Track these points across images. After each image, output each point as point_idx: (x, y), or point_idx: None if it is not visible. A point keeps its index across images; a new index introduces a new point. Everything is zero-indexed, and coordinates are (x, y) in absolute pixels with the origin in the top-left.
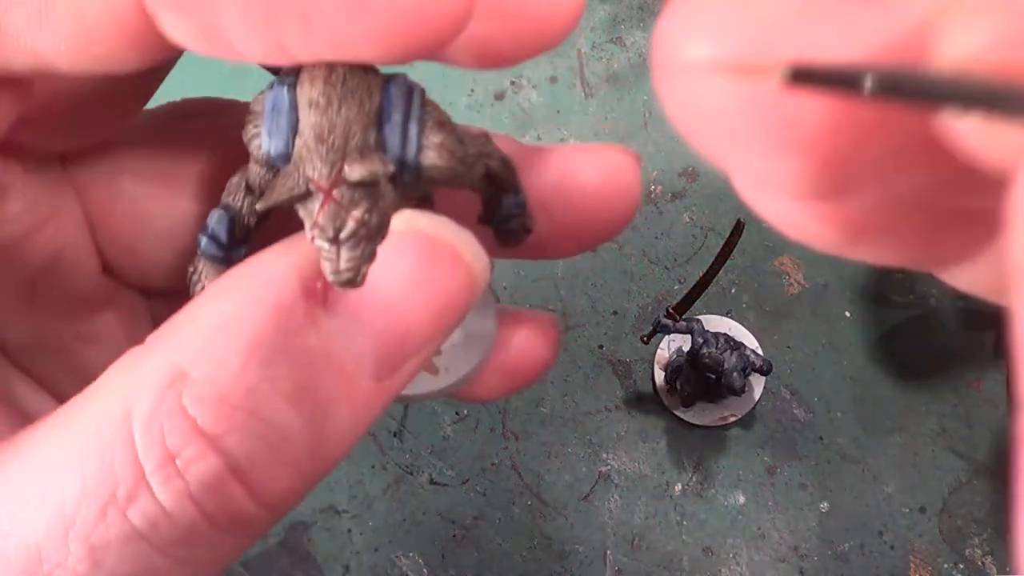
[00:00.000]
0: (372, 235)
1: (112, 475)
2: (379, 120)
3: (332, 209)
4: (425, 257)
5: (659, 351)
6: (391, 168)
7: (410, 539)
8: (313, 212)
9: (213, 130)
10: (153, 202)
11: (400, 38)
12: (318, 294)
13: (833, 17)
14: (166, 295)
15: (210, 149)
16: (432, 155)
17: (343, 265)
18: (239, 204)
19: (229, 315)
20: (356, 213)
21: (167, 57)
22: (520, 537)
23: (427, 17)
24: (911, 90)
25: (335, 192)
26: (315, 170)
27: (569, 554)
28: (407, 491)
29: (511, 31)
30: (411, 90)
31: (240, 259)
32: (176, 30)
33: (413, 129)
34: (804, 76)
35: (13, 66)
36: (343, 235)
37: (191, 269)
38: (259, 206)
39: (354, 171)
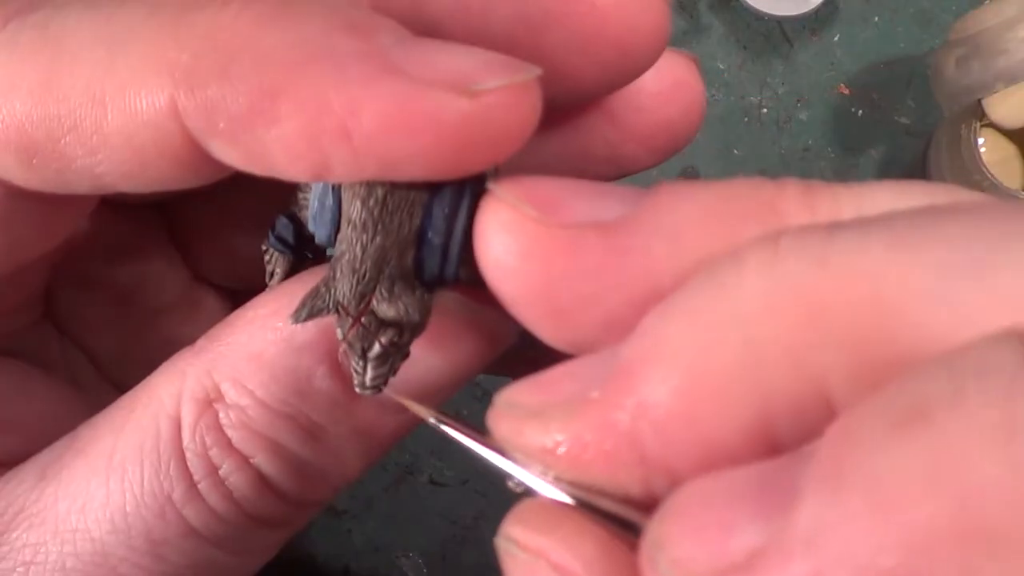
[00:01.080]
0: (402, 348)
1: (168, 479)
2: (419, 240)
3: (361, 332)
4: (445, 330)
5: None
6: (416, 318)
7: (410, 539)
8: (344, 328)
9: None
10: (237, 211)
11: (450, 156)
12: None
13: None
14: (254, 291)
15: None
16: (471, 271)
17: (369, 382)
18: (300, 214)
19: (262, 351)
20: (383, 339)
21: (223, 174)
22: None
23: (480, 134)
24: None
25: (364, 319)
26: (345, 297)
27: None
28: (407, 491)
29: (592, 57)
30: (459, 200)
31: (308, 257)
32: (224, 155)
33: (454, 249)
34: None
35: (75, 188)
36: (371, 355)
37: (266, 259)
38: (291, 321)
39: (380, 309)
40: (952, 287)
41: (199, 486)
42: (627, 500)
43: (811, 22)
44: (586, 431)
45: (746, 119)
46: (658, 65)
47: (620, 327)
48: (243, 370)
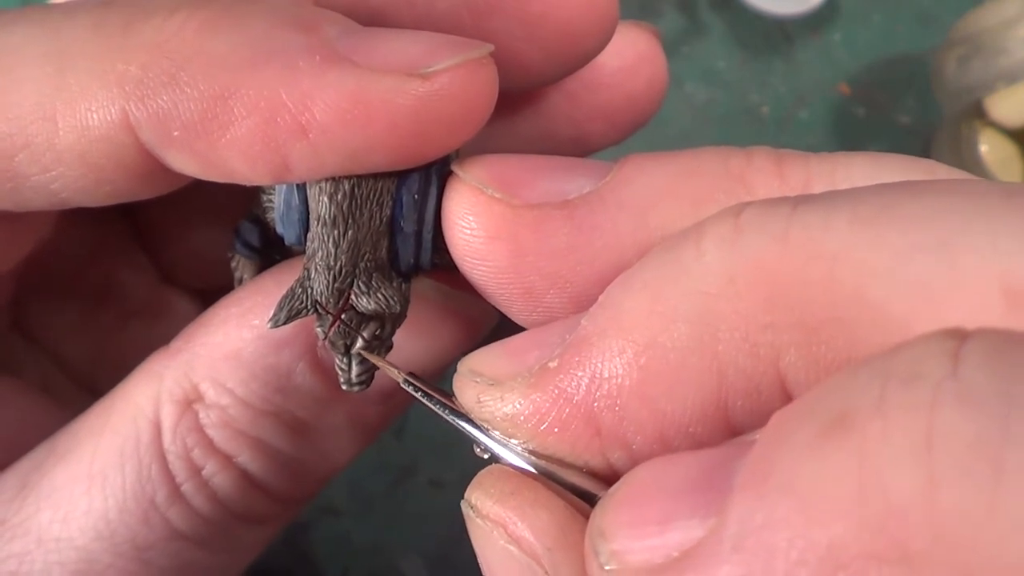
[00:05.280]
0: (385, 340)
1: (150, 482)
2: (392, 229)
3: (342, 329)
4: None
5: None
6: (396, 308)
7: (410, 539)
8: (324, 327)
9: None
10: (202, 211)
11: (409, 142)
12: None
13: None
14: (222, 291)
15: None
16: (446, 255)
17: (355, 378)
18: (265, 217)
19: (239, 349)
20: (366, 333)
21: (180, 183)
22: None
23: (437, 116)
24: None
25: (344, 316)
26: (322, 296)
27: None
28: (407, 491)
29: (539, 43)
30: (427, 186)
31: (272, 257)
32: (180, 165)
33: (427, 235)
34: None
35: (32, 205)
36: (354, 351)
37: (233, 266)
38: (269, 326)
39: (360, 304)
40: (913, 269)
41: (182, 488)
42: (588, 471)
43: (811, 21)
44: (543, 401)
45: (746, 119)
46: (618, 40)
47: (590, 304)
48: (221, 369)
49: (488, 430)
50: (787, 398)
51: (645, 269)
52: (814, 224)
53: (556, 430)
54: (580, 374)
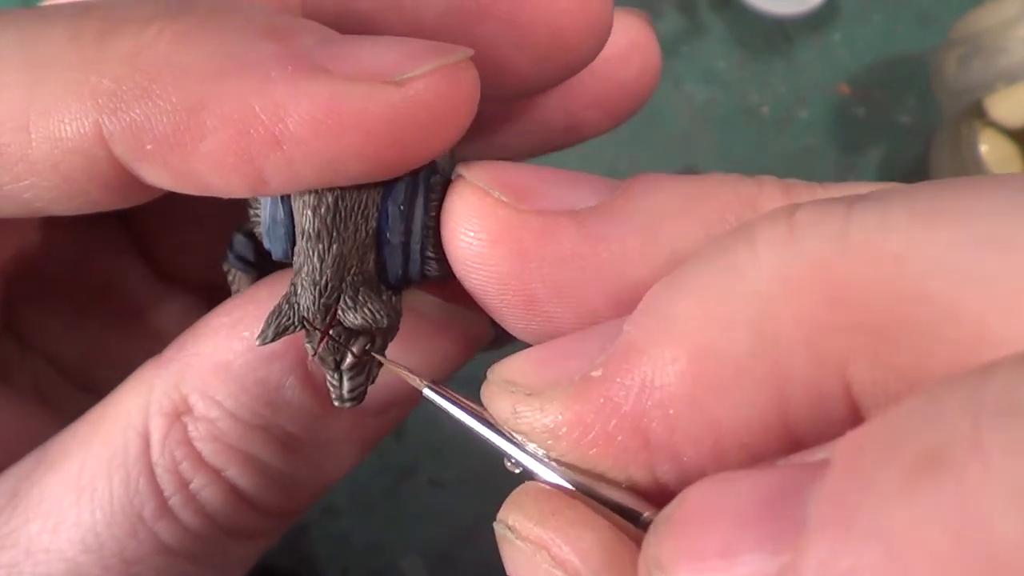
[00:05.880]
0: (380, 351)
1: (138, 495)
2: (378, 240)
3: (331, 345)
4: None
5: None
6: (385, 323)
7: (410, 539)
8: (313, 343)
9: None
10: (196, 209)
11: (387, 150)
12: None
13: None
14: (220, 288)
15: None
16: (437, 265)
17: (347, 394)
18: (256, 230)
19: (229, 361)
20: (355, 348)
21: (155, 195)
22: None
23: (414, 123)
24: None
25: (332, 331)
26: (309, 312)
27: None
28: (407, 491)
29: (530, 50)
30: (414, 195)
31: (268, 269)
32: (154, 178)
33: (415, 246)
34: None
35: (5, 212)
36: (344, 366)
37: (229, 279)
38: (257, 343)
39: (347, 319)
40: (980, 266)
41: (170, 502)
42: (632, 487)
43: (811, 21)
44: (588, 412)
45: (746, 119)
46: (619, 29)
47: (590, 320)
48: (211, 381)
49: (522, 443)
50: (852, 407)
51: (694, 272)
52: (872, 223)
53: (601, 443)
54: (629, 383)
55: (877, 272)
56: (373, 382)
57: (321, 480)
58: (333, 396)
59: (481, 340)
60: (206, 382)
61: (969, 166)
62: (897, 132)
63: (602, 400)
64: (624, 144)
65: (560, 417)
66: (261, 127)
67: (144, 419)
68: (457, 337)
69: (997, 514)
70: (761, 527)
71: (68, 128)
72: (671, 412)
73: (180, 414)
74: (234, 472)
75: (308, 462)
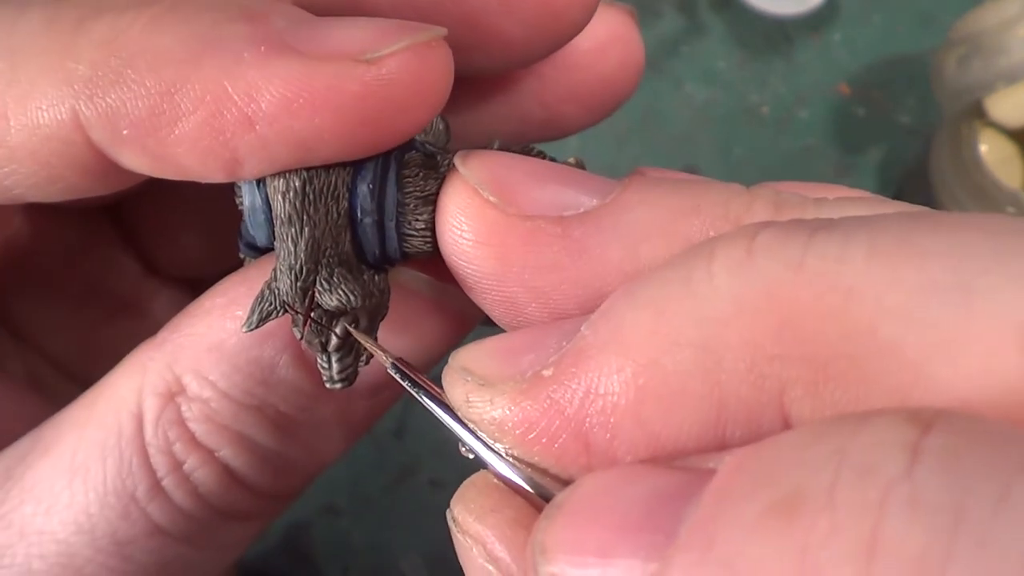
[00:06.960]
0: (366, 331)
1: (131, 476)
2: (352, 220)
3: (314, 328)
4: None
5: None
6: (358, 302)
7: (410, 539)
8: (299, 326)
9: None
10: (187, 201)
11: (359, 129)
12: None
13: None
14: (208, 280)
15: None
16: (417, 242)
17: (336, 375)
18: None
19: (222, 341)
20: (339, 329)
21: (135, 180)
22: None
23: (386, 101)
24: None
25: (313, 314)
26: (288, 296)
27: None
28: (407, 491)
29: (520, 19)
30: (385, 174)
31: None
32: (132, 163)
33: (390, 224)
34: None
35: None
36: (330, 348)
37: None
38: (243, 329)
39: (323, 300)
40: (929, 311)
41: (163, 483)
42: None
43: (811, 21)
44: (533, 411)
45: (746, 119)
46: (601, 23)
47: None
48: (204, 361)
49: (475, 430)
50: (786, 428)
51: (652, 285)
52: (831, 254)
53: (544, 441)
54: (575, 387)
55: (827, 305)
56: (367, 363)
57: (314, 461)
58: (324, 377)
59: (472, 320)
60: (199, 362)
61: (969, 166)
62: (897, 132)
63: (548, 401)
64: (624, 143)
65: (507, 412)
66: (234, 108)
67: (138, 400)
68: (448, 317)
69: (834, 568)
70: (640, 535)
71: (45, 115)
72: (612, 420)
73: (173, 394)
74: (227, 452)
75: (301, 443)
